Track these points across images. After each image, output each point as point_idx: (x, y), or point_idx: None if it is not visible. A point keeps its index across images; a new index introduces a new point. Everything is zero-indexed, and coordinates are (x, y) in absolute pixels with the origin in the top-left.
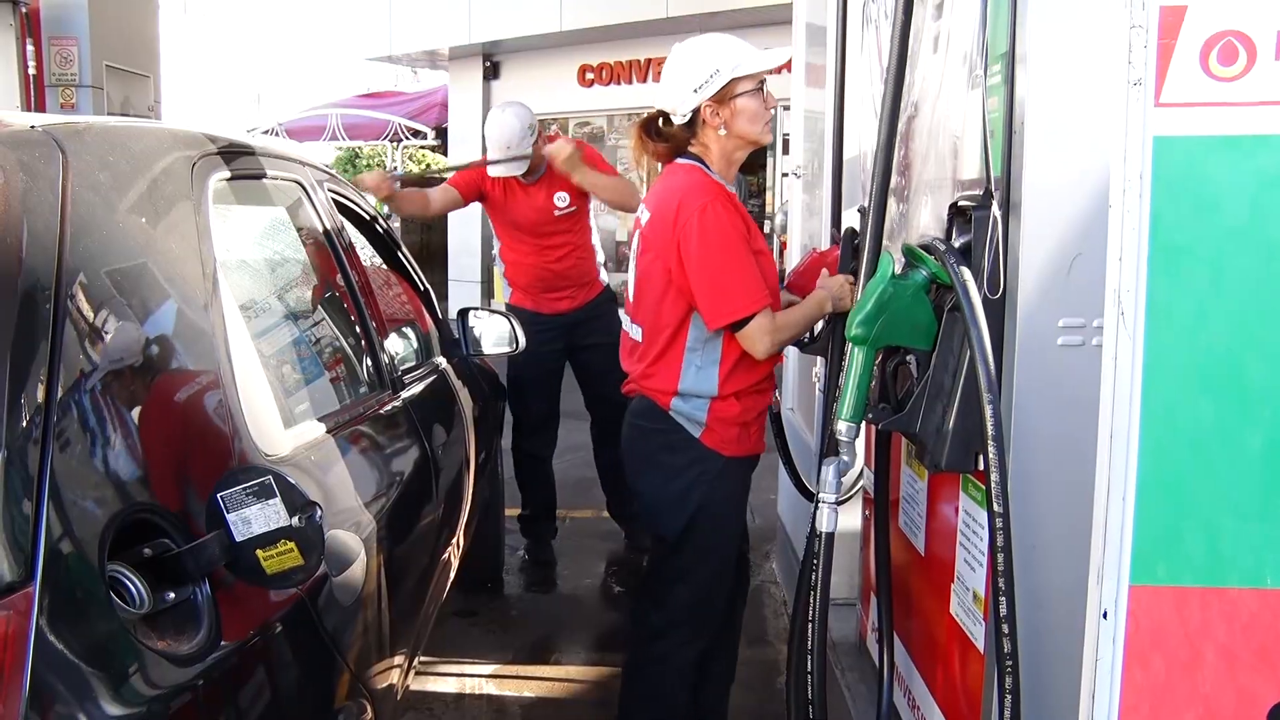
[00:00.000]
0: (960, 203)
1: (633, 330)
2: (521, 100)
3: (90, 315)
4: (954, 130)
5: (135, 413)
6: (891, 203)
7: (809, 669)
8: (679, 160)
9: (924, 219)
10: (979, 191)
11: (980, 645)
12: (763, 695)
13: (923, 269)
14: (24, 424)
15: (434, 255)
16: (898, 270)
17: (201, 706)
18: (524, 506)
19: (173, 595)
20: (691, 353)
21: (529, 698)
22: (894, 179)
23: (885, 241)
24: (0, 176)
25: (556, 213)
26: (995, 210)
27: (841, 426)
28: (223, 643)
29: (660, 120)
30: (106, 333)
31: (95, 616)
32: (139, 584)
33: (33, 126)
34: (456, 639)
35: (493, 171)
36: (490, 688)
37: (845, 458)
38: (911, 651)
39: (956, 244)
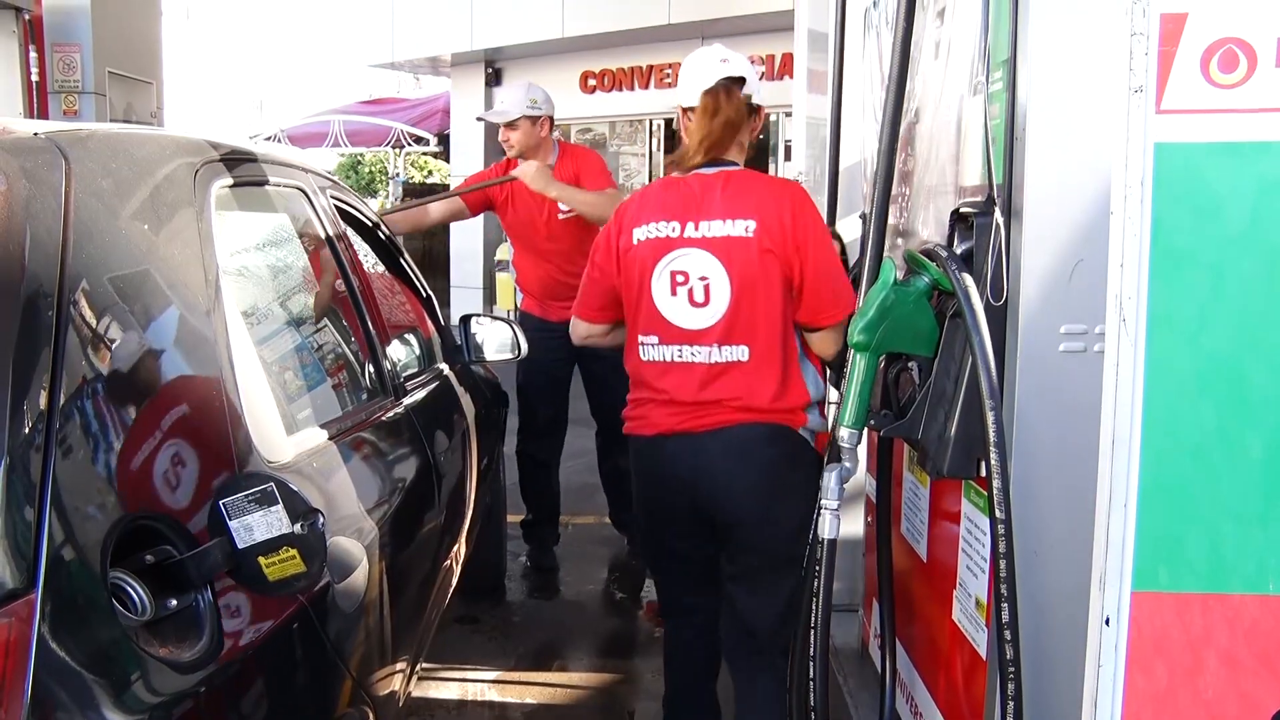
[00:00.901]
0: (962, 209)
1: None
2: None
3: (93, 322)
4: (955, 137)
5: (137, 419)
6: (892, 209)
7: (811, 675)
8: (734, 168)
9: (926, 225)
10: (981, 198)
11: (983, 651)
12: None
13: (925, 275)
14: (26, 430)
15: (436, 261)
16: (899, 277)
17: (203, 713)
18: (527, 512)
19: (175, 602)
20: (803, 360)
21: (531, 704)
22: (895, 186)
23: (886, 248)
24: (3, 183)
25: (560, 216)
26: (997, 217)
27: (843, 433)
28: (225, 649)
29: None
30: (109, 339)
31: (97, 623)
32: (141, 591)
33: (36, 134)
34: (458, 645)
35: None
36: (493, 694)
37: (847, 464)
38: (914, 658)
39: (958, 250)
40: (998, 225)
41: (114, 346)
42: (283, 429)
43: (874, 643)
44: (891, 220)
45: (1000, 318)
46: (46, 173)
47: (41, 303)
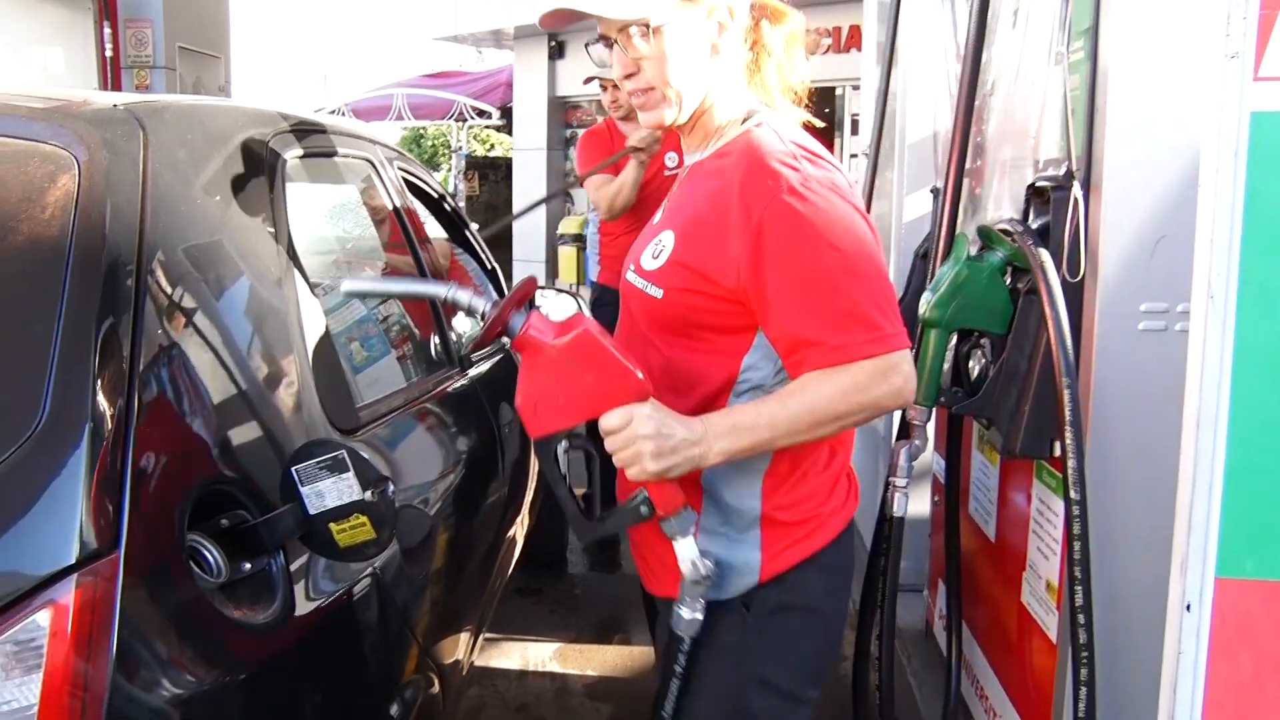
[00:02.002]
0: (1039, 183)
1: None
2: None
3: (170, 291)
4: (1033, 108)
5: (212, 387)
6: (965, 184)
7: (877, 655)
8: None
9: (1000, 200)
10: (1059, 171)
11: (1053, 635)
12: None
13: (999, 251)
14: (109, 397)
15: (498, 236)
16: (973, 252)
17: (275, 674)
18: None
19: (249, 566)
20: None
21: (592, 675)
22: (969, 159)
23: (959, 224)
24: (86, 153)
25: (665, 172)
26: (1076, 191)
27: (913, 410)
28: (296, 613)
29: None
30: (185, 308)
31: (175, 584)
32: (217, 554)
33: (115, 105)
34: (521, 616)
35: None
36: (554, 664)
37: (917, 441)
38: (980, 640)
39: (1034, 225)
40: (1076, 199)
41: (190, 315)
42: (351, 398)
43: (939, 624)
44: (964, 195)
45: (1077, 295)
46: (126, 144)
47: (121, 272)
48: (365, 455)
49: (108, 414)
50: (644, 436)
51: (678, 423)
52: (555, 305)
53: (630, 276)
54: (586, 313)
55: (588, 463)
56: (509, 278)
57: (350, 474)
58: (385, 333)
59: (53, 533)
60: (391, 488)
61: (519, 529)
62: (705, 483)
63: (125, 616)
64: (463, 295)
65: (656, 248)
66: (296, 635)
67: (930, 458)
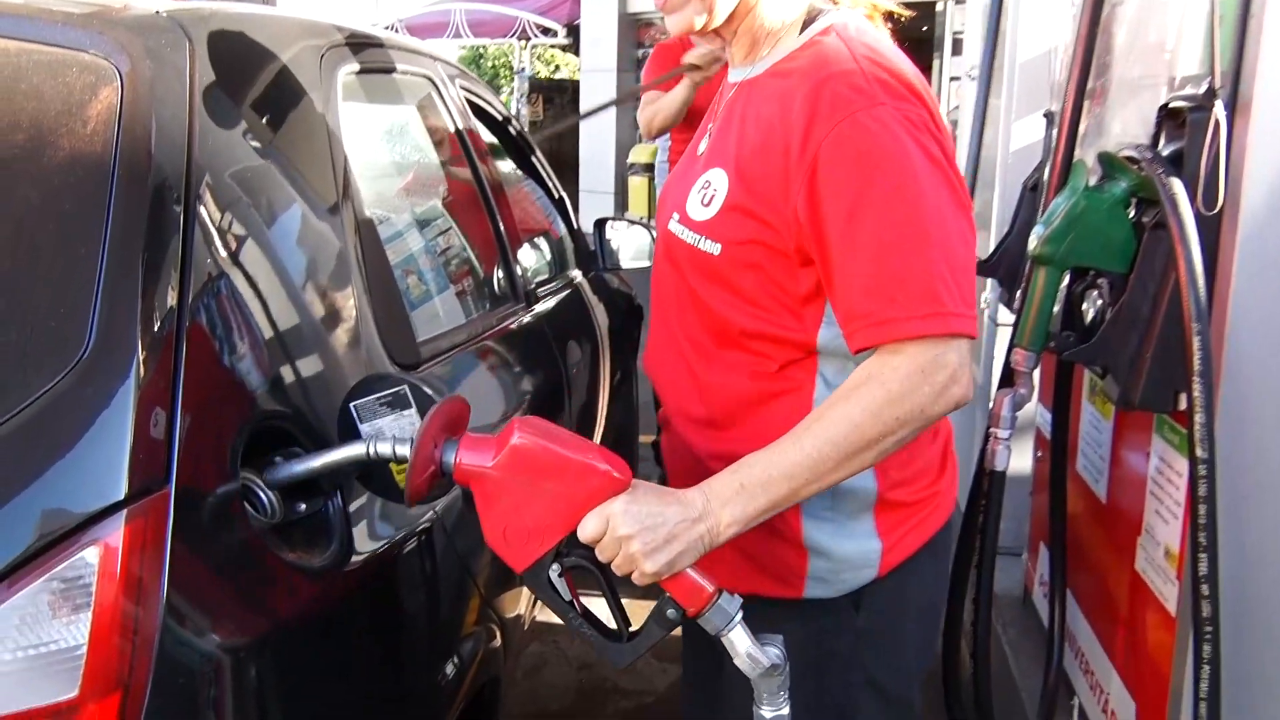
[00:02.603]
0: (1173, 104)
1: None
2: None
3: (219, 216)
4: (1170, 18)
5: (265, 318)
6: (1085, 106)
7: (972, 621)
8: None
9: (1126, 124)
10: (1198, 90)
11: (1171, 607)
12: None
13: (1122, 180)
14: (156, 327)
15: (563, 165)
16: (1092, 182)
17: (330, 621)
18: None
19: (304, 506)
20: None
21: None
22: (1090, 78)
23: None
24: (127, 64)
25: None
26: (1218, 111)
27: (1019, 355)
28: (353, 557)
29: None
30: (235, 236)
31: (228, 524)
32: (270, 493)
33: (158, 12)
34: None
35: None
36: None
37: (1022, 390)
38: (1086, 610)
39: (1166, 152)
40: (1217, 121)
41: (240, 243)
42: (411, 332)
43: (1039, 590)
44: (1084, 118)
45: (1213, 230)
46: (171, 54)
47: (168, 194)
48: (429, 391)
49: (156, 344)
50: (627, 537)
51: (667, 504)
52: (627, 239)
53: (675, 227)
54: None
55: (597, 574)
56: (576, 210)
57: (413, 411)
58: (447, 264)
59: (101, 467)
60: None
61: (598, 430)
62: None
63: (176, 556)
64: (384, 446)
65: (705, 191)
66: (353, 581)
67: (1034, 409)
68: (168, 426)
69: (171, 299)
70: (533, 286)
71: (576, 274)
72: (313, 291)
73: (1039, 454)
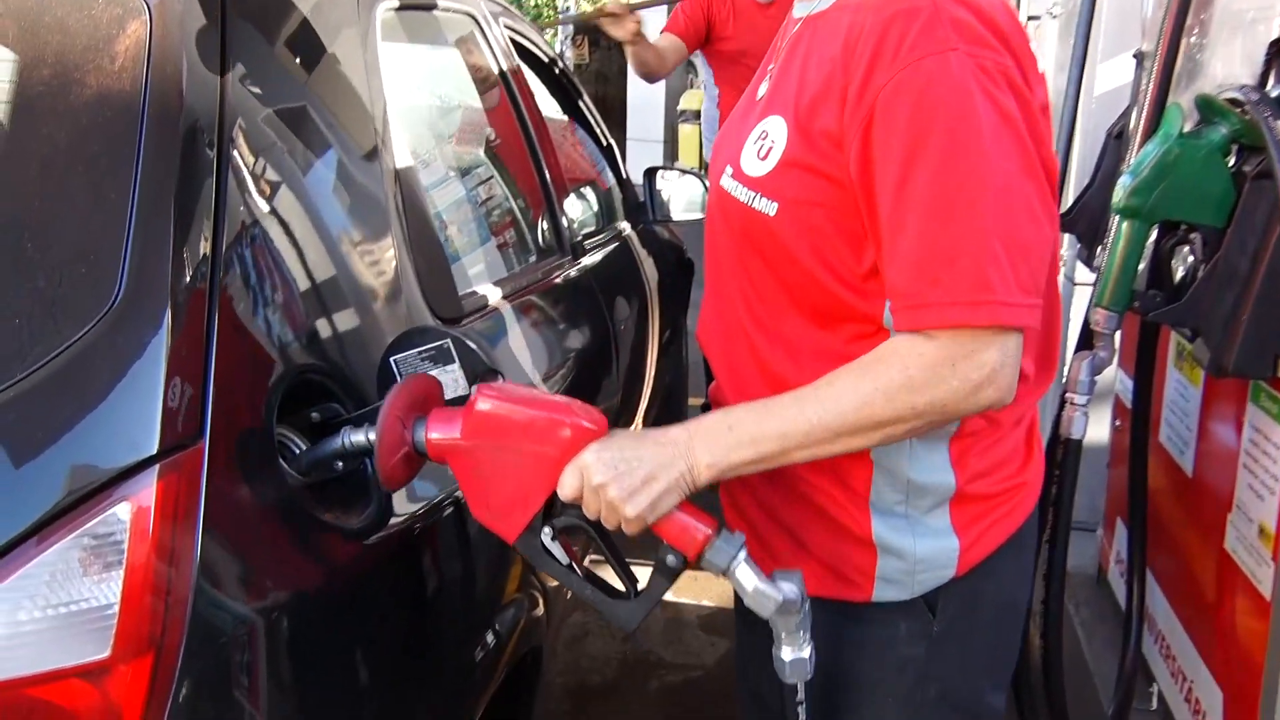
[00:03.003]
0: None
1: None
2: None
3: (253, 161)
4: None
5: (302, 268)
6: (1182, 44)
7: (1043, 598)
8: None
9: (1229, 63)
10: None
11: (1265, 590)
12: None
13: (1222, 125)
14: (189, 277)
15: (610, 111)
16: (1187, 128)
17: (368, 584)
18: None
19: (341, 465)
20: None
21: (708, 607)
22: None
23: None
24: None
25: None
26: None
27: (1100, 315)
28: (392, 520)
29: None
30: (270, 181)
31: (264, 481)
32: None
33: None
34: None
35: None
36: (668, 593)
37: (1102, 353)
38: (1167, 591)
39: (1273, 93)
40: None
41: (275, 190)
42: (452, 284)
43: (1115, 569)
44: (1179, 58)
45: None
46: None
47: (200, 137)
48: (473, 344)
49: (189, 293)
50: (602, 485)
51: (642, 445)
52: (678, 189)
53: (728, 183)
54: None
55: (590, 533)
56: (624, 159)
57: (455, 366)
58: (491, 213)
59: (132, 420)
60: (503, 379)
61: (641, 410)
62: (875, 452)
63: (210, 514)
64: (358, 436)
65: (761, 142)
66: (391, 543)
67: (1113, 375)
68: (201, 379)
69: (205, 246)
70: (579, 238)
71: (625, 226)
72: (351, 241)
73: (1118, 423)
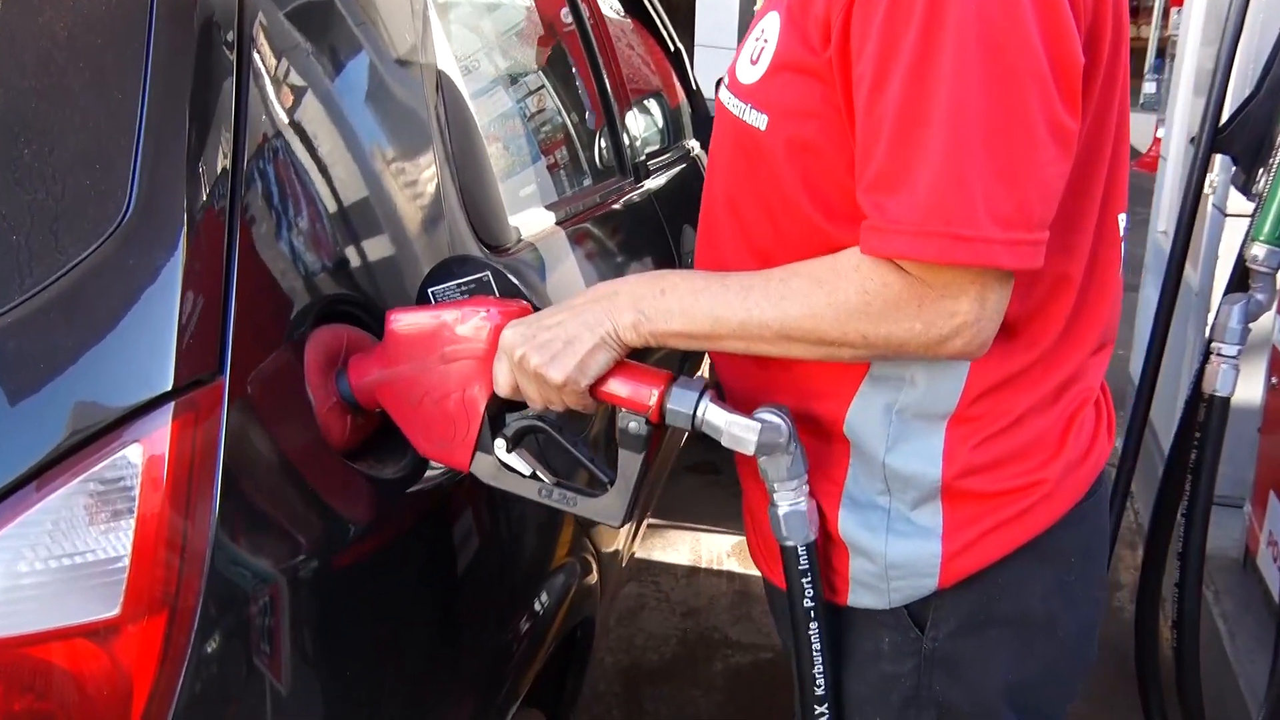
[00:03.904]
0: None
1: None
2: None
3: (275, 65)
4: None
5: (330, 185)
6: None
7: (1176, 584)
8: None
9: None
10: None
11: None
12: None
13: None
14: (207, 190)
15: (676, 12)
16: None
17: (403, 541)
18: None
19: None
20: None
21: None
22: None
23: None
24: None
25: None
26: None
27: (1259, 250)
28: (429, 470)
29: None
30: (295, 87)
31: (290, 424)
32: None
33: None
34: (692, 500)
35: None
36: (732, 562)
37: (1259, 296)
38: None
39: None
40: None
41: (301, 96)
42: (500, 209)
43: (1266, 552)
44: None
45: None
46: None
47: (217, 34)
48: (516, 280)
49: (207, 210)
50: (523, 357)
51: (563, 309)
52: None
53: (723, 94)
54: None
55: (555, 437)
56: (692, 67)
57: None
58: (544, 130)
59: (144, 353)
60: None
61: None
62: (848, 430)
63: (230, 458)
64: None
65: (756, 43)
66: (429, 497)
67: (1270, 322)
68: (221, 307)
69: (224, 159)
70: (642, 158)
71: (693, 145)
72: (386, 156)
73: (1274, 380)
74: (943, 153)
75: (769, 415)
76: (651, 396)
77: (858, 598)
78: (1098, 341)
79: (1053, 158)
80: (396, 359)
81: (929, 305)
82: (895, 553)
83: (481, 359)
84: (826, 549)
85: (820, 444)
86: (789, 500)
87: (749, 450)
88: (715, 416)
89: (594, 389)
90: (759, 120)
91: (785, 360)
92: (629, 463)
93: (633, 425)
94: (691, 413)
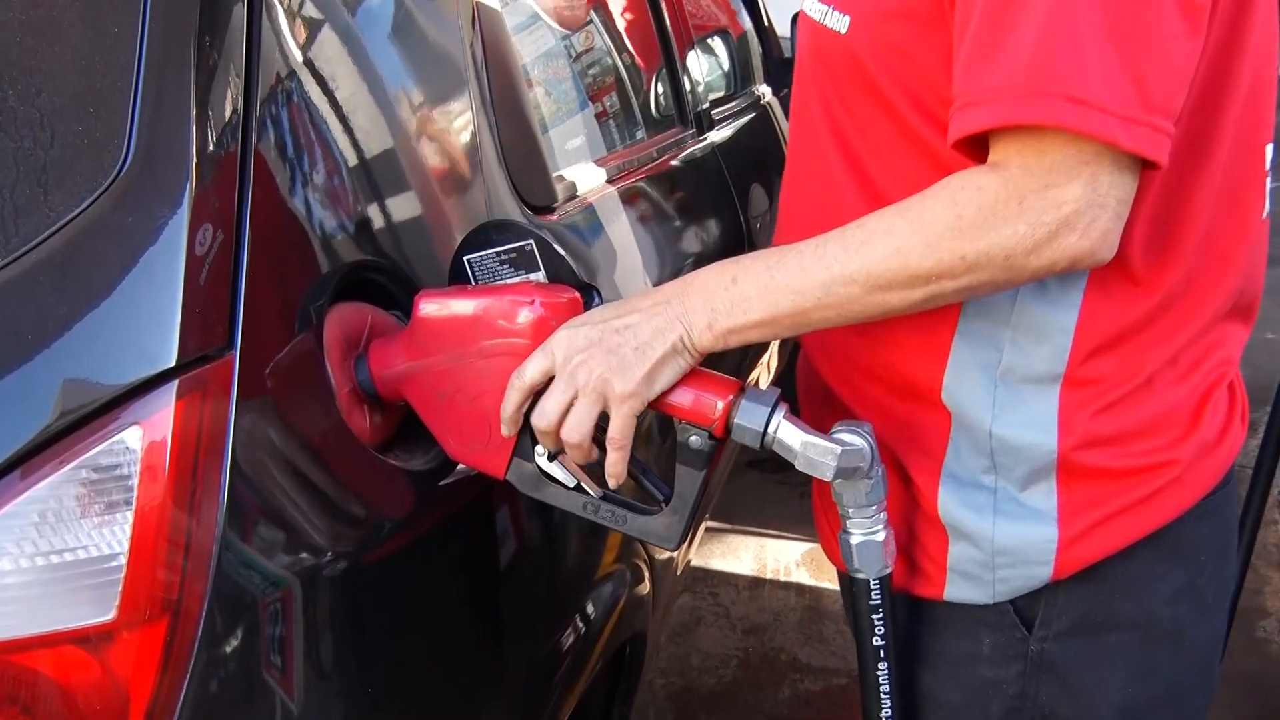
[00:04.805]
0: None
1: None
2: None
3: None
4: None
5: (353, 137)
6: None
7: None
8: None
9: None
10: None
11: None
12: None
13: None
14: (216, 139)
15: None
16: None
17: (431, 541)
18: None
19: None
20: None
21: None
22: None
23: None
24: None
25: None
26: None
27: None
28: (458, 463)
29: None
30: (312, 20)
31: (308, 406)
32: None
33: None
34: (756, 500)
35: None
36: (801, 573)
37: None
38: None
39: None
40: None
41: (319, 32)
42: (544, 163)
43: None
44: None
45: None
46: None
47: None
48: (561, 250)
49: (216, 162)
50: (581, 364)
51: (628, 309)
52: None
53: (807, 6)
54: None
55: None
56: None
57: (541, 274)
58: (595, 76)
59: (144, 323)
60: (599, 298)
61: (763, 370)
62: (947, 397)
63: (241, 445)
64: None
65: None
66: (462, 492)
67: None
68: (232, 271)
69: (234, 103)
70: (705, 106)
71: (765, 90)
72: (415, 103)
73: None
74: (1050, 8)
75: (850, 435)
76: (717, 408)
77: (956, 590)
78: (1230, 295)
79: (1179, 32)
80: (426, 349)
81: (1032, 199)
82: (1004, 536)
83: (524, 355)
84: (921, 533)
85: (917, 413)
86: (864, 528)
87: (826, 476)
88: (789, 435)
89: (655, 400)
90: (840, 22)
91: (869, 325)
92: (688, 480)
93: (694, 439)
94: (761, 430)
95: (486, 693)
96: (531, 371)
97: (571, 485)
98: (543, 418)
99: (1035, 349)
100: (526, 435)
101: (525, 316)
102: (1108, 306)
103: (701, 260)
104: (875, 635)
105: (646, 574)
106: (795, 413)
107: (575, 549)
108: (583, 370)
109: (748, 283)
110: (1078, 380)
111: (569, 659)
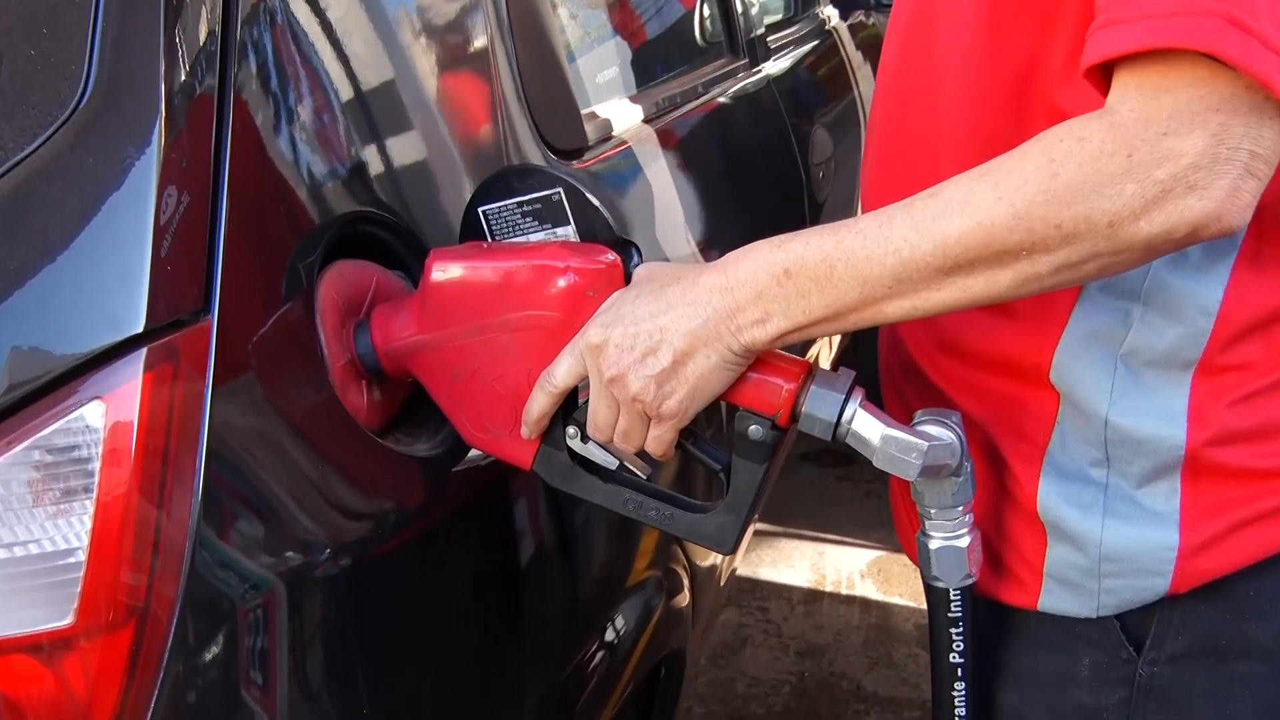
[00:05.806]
0: None
1: None
2: None
3: None
4: None
5: (348, 69)
6: None
7: None
8: None
9: None
10: None
11: None
12: None
13: None
14: (187, 69)
15: None
16: None
17: (437, 539)
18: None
19: None
20: None
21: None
22: None
23: None
24: None
25: None
26: None
27: None
28: (473, 450)
29: None
30: None
31: (299, 379)
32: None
33: None
34: (815, 499)
35: None
36: (867, 586)
37: None
38: None
39: None
40: None
41: None
42: (573, 100)
43: None
44: None
45: None
46: None
47: None
48: (595, 200)
49: (189, 95)
50: (617, 378)
51: (664, 305)
52: None
53: None
54: None
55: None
56: None
57: (570, 229)
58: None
59: (107, 282)
60: (638, 257)
61: (823, 348)
62: (1056, 376)
63: (218, 423)
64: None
65: None
66: (475, 481)
67: None
68: (209, 222)
69: (211, 25)
70: (760, 32)
71: (831, 13)
72: (421, 29)
73: None
74: None
75: (937, 428)
76: (781, 394)
77: (1053, 599)
78: None
79: None
80: (440, 321)
81: (1144, 150)
82: (1114, 540)
83: (556, 331)
84: (1015, 532)
85: (1018, 392)
86: (946, 532)
87: (910, 475)
88: (866, 427)
89: None
90: None
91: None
92: (745, 475)
93: (753, 429)
94: (834, 420)
95: (502, 716)
96: (563, 375)
97: (613, 468)
98: (598, 432)
99: (1167, 329)
100: (558, 420)
101: (557, 286)
102: (1259, 283)
103: (753, 215)
104: (953, 651)
105: (686, 583)
106: (872, 396)
107: (603, 551)
108: (618, 387)
109: (804, 276)
110: (1216, 367)
111: (595, 680)
